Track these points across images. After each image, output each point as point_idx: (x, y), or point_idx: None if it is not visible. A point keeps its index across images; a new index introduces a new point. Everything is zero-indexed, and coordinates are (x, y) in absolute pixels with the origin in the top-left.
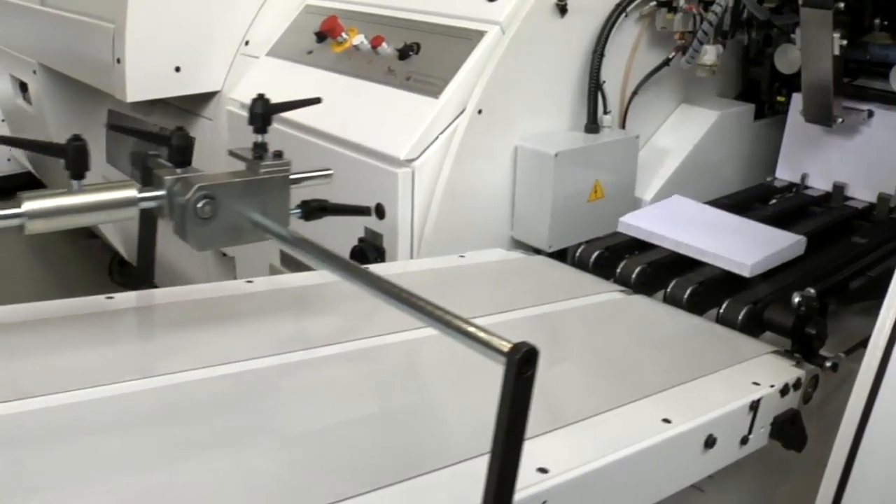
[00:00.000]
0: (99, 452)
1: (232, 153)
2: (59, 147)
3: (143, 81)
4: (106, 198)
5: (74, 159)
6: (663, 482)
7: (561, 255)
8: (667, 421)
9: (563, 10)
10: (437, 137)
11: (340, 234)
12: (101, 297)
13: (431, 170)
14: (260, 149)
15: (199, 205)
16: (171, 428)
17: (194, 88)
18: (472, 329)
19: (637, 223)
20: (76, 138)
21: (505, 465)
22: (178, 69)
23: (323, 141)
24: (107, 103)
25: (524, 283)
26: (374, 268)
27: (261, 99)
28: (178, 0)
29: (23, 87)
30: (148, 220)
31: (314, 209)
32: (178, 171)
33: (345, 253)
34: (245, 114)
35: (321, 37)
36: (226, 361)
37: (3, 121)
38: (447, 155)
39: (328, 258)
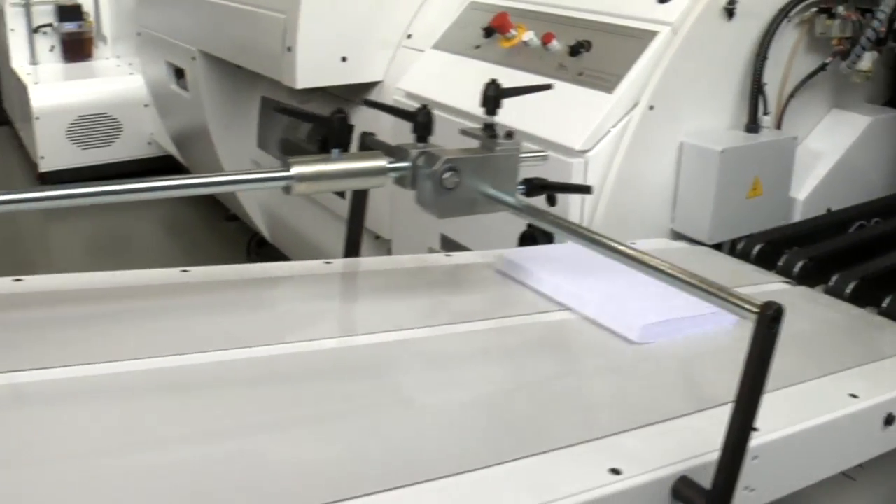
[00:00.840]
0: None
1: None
2: (324, 118)
3: (311, 70)
4: (360, 166)
5: (338, 130)
6: (846, 453)
7: (716, 249)
8: (853, 396)
9: (730, 13)
10: (609, 131)
11: (511, 218)
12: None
13: (603, 161)
14: (490, 129)
15: (445, 175)
16: (326, 388)
17: (358, 78)
18: (724, 291)
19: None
20: (339, 111)
21: (747, 410)
22: (344, 59)
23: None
24: (260, 91)
25: (699, 271)
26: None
27: (493, 83)
28: None
29: (178, 73)
30: (359, 197)
31: (536, 186)
32: (420, 145)
33: (514, 237)
34: (411, 103)
35: (489, 32)
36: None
37: (146, 106)
38: (618, 147)
39: (563, 226)
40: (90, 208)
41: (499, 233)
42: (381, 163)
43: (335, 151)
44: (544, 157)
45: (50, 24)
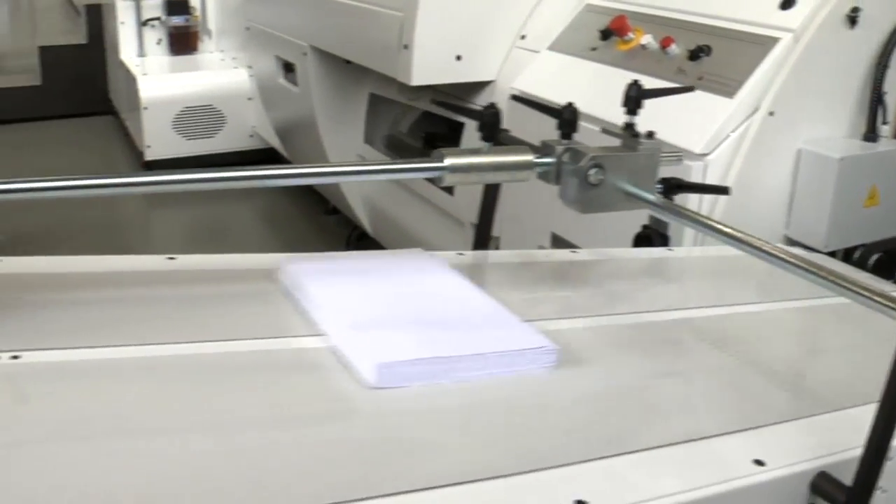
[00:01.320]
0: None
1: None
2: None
3: (427, 67)
4: (509, 160)
5: (489, 124)
6: None
7: (831, 257)
8: None
9: (852, 21)
10: (728, 135)
11: (626, 218)
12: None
13: (722, 165)
14: (631, 128)
15: (591, 172)
16: None
17: (472, 77)
18: (872, 294)
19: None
20: (491, 106)
21: (892, 409)
22: (458, 58)
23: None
24: (368, 87)
25: None
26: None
27: (635, 84)
28: None
29: (286, 67)
30: (492, 192)
31: (673, 186)
32: (565, 142)
33: (628, 238)
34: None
35: (606, 34)
36: None
37: (250, 99)
38: (737, 152)
39: (710, 226)
40: (191, 198)
41: (611, 232)
42: (529, 157)
43: (485, 145)
44: (679, 159)
45: (158, 18)
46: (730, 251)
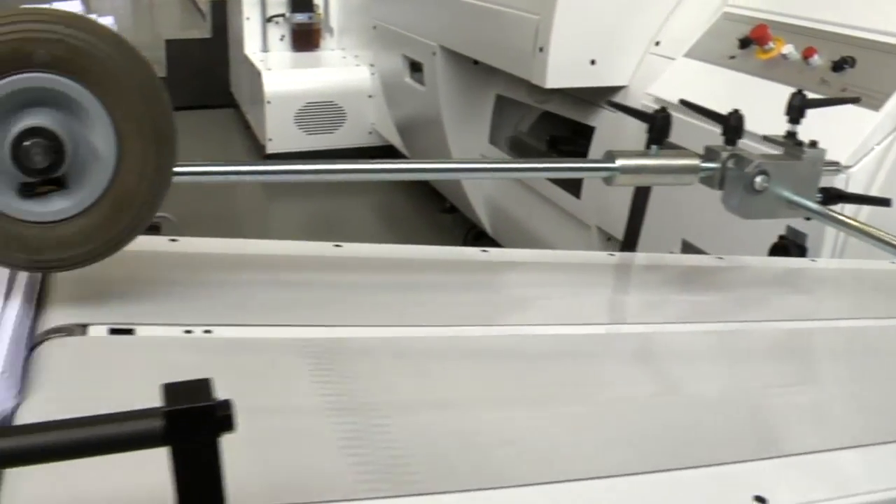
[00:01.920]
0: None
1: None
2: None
3: (561, 70)
4: (676, 163)
5: (659, 127)
6: None
7: None
8: None
9: None
10: (873, 147)
11: (759, 229)
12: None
13: (866, 177)
14: (794, 137)
15: (757, 179)
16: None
17: (604, 81)
18: None
19: None
20: (662, 110)
21: None
22: (593, 62)
23: (751, 141)
24: (494, 88)
25: None
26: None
27: (799, 93)
28: None
29: (413, 66)
30: (642, 194)
31: (833, 195)
32: (729, 148)
33: (759, 248)
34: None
35: (745, 43)
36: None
37: (370, 97)
38: (882, 164)
39: (878, 237)
40: (307, 191)
41: (743, 242)
42: (695, 162)
43: (653, 148)
44: (838, 169)
45: (282, 15)
46: (871, 264)
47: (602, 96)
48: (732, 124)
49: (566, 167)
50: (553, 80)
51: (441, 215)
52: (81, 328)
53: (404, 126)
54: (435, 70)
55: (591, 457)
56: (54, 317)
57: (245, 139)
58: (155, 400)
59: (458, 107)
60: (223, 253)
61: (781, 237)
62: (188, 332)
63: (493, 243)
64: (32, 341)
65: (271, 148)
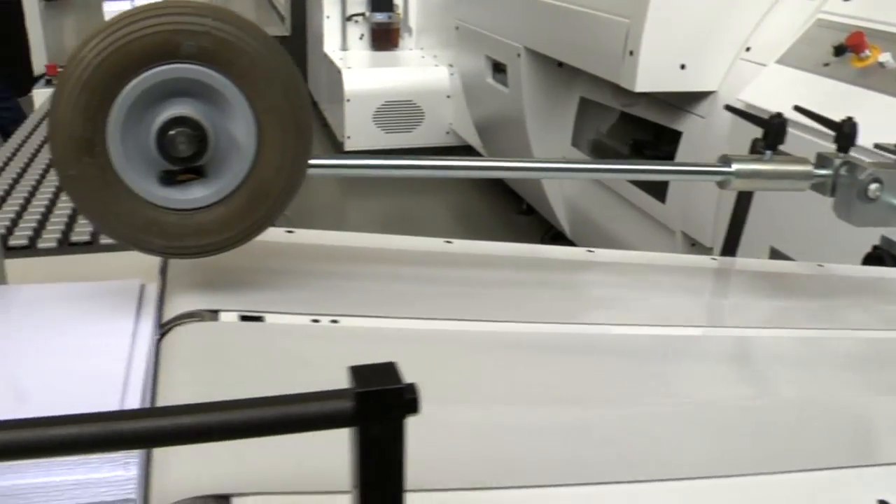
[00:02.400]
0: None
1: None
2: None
3: (651, 74)
4: (789, 169)
5: (775, 133)
6: None
7: None
8: None
9: None
10: None
11: (853, 236)
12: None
13: None
14: None
15: (871, 186)
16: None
17: (693, 86)
18: None
19: None
20: (779, 115)
21: None
22: (682, 66)
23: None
24: (578, 90)
25: None
26: None
27: None
28: (690, 1)
29: (496, 67)
30: (744, 199)
31: None
32: (841, 155)
33: (850, 258)
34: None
35: (839, 50)
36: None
37: (448, 97)
38: None
39: None
40: (383, 188)
41: (832, 251)
42: (808, 168)
43: (767, 153)
44: None
45: (362, 14)
46: None
47: (689, 101)
48: (846, 131)
49: (678, 170)
50: (643, 84)
51: (517, 216)
52: (212, 314)
53: (484, 127)
54: (519, 71)
55: (712, 456)
56: (184, 302)
57: (323, 136)
58: (291, 385)
59: (541, 109)
60: (338, 245)
61: (875, 247)
62: (315, 321)
63: (571, 245)
64: (160, 327)
65: (349, 145)
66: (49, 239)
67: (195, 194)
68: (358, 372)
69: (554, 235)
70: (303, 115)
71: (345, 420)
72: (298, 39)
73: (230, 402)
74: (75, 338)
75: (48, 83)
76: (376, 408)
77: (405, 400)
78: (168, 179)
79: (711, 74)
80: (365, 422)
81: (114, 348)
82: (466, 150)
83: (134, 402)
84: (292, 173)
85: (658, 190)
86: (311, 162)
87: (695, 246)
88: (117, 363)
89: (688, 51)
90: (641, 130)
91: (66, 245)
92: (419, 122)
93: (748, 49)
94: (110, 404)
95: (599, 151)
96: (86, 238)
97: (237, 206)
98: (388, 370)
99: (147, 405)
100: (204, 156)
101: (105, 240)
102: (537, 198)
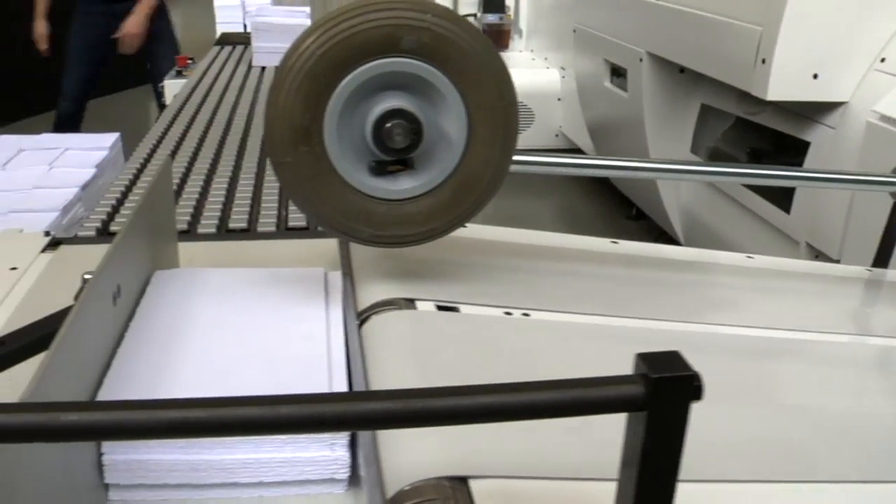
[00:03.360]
0: None
1: None
2: None
3: (783, 83)
4: None
5: None
6: None
7: None
8: None
9: None
10: None
11: None
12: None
13: None
14: None
15: None
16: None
17: (826, 96)
18: None
19: None
20: None
21: None
22: (815, 76)
23: None
24: (699, 97)
25: None
26: None
27: None
28: (824, 10)
29: (614, 72)
30: None
31: None
32: None
33: None
34: (889, 127)
35: None
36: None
37: (559, 99)
38: None
39: None
40: None
41: None
42: None
43: None
44: None
45: (473, 15)
46: None
47: (819, 111)
48: None
49: (851, 178)
50: (774, 93)
51: (626, 221)
52: (408, 302)
53: (599, 131)
54: (640, 76)
55: None
56: (379, 291)
57: None
58: (495, 374)
59: (661, 115)
60: (511, 241)
61: None
62: (508, 313)
63: None
64: (358, 315)
65: None
66: (208, 225)
67: (404, 185)
68: (646, 359)
69: (664, 242)
70: (512, 111)
71: (636, 404)
72: None
73: (513, 384)
74: (273, 322)
75: (178, 74)
76: (667, 394)
77: (693, 387)
78: (378, 170)
79: (844, 85)
80: (655, 407)
81: (312, 332)
82: (576, 153)
83: (341, 384)
84: (498, 168)
85: (783, 200)
86: (514, 158)
87: (819, 257)
88: (318, 346)
89: (821, 60)
90: (759, 139)
91: (224, 231)
92: (529, 124)
93: (883, 60)
94: (319, 387)
95: (717, 159)
96: (242, 226)
97: (443, 199)
98: (674, 358)
99: (355, 389)
100: (417, 148)
101: (262, 228)
102: (650, 202)
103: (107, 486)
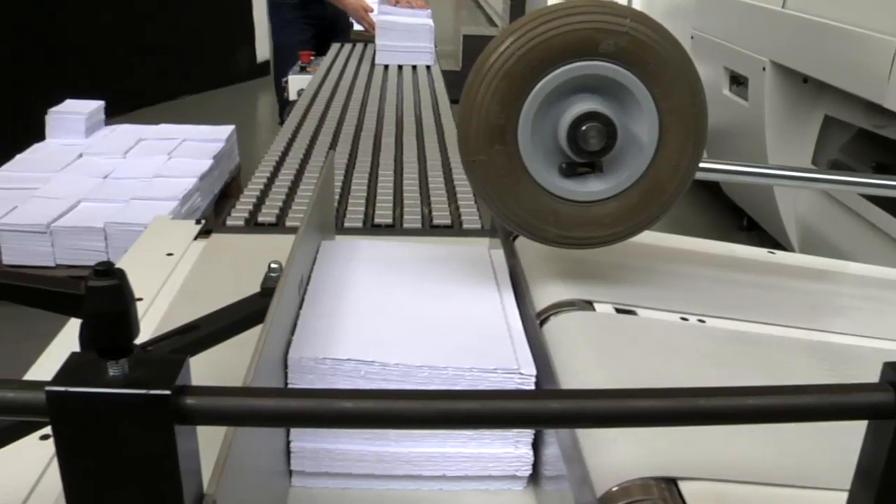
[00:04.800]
0: None
1: None
2: None
3: None
4: None
5: None
6: None
7: None
8: None
9: None
10: None
11: None
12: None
13: None
14: None
15: None
16: None
17: None
18: None
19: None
20: None
21: None
22: None
23: None
24: (822, 109)
25: None
26: None
27: None
28: None
29: (734, 80)
30: None
31: None
32: None
33: None
34: None
35: None
36: None
37: None
38: None
39: None
40: None
41: None
42: None
43: None
44: None
45: None
46: None
47: None
48: None
49: None
50: None
51: (738, 232)
52: (588, 304)
53: (715, 139)
54: (762, 85)
55: None
56: (557, 292)
57: None
58: (678, 378)
59: (782, 125)
60: (671, 247)
61: None
62: (684, 318)
63: None
64: (538, 315)
65: None
66: (353, 219)
67: (593, 188)
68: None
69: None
70: (704, 117)
71: (885, 412)
72: None
73: (750, 388)
74: (451, 299)
75: (302, 70)
76: None
77: None
78: (567, 171)
79: None
80: None
81: (488, 308)
82: None
83: (527, 362)
84: (685, 174)
85: None
86: (701, 165)
87: None
88: (497, 320)
89: None
90: (883, 152)
91: (370, 227)
92: None
93: None
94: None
95: (840, 171)
96: (387, 221)
97: (630, 203)
98: None
99: (542, 386)
100: (610, 151)
101: (407, 224)
102: (765, 213)
103: (290, 473)
